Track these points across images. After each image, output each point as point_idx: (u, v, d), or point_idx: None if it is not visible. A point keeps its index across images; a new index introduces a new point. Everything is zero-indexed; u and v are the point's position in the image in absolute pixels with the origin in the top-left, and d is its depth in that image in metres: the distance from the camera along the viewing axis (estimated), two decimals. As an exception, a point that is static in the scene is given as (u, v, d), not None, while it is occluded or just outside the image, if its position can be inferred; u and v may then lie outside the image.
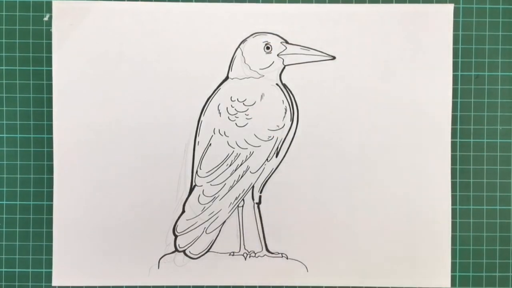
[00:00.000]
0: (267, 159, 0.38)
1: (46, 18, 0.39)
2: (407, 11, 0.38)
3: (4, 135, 0.39)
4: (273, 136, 0.38)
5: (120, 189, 0.38)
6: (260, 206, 0.38)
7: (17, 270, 0.39)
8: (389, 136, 0.38)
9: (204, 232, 0.38)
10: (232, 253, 0.38)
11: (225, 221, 0.38)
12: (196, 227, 0.38)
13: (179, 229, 0.38)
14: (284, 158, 0.38)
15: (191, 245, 0.38)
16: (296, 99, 0.38)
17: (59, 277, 0.38)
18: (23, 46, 0.39)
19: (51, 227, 0.38)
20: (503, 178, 0.39)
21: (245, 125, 0.38)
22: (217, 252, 0.38)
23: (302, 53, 0.38)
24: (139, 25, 0.38)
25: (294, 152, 0.38)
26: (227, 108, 0.38)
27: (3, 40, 0.39)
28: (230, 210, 0.38)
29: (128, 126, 0.38)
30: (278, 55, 0.38)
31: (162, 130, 0.38)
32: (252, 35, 0.38)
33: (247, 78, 0.38)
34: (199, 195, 0.38)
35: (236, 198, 0.38)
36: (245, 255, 0.38)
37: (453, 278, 0.39)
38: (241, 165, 0.38)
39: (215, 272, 0.38)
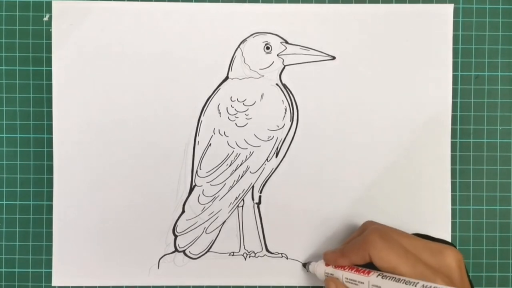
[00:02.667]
0: (267, 159, 0.38)
1: (46, 18, 0.39)
2: (407, 11, 0.38)
3: (4, 135, 0.39)
4: (273, 136, 0.38)
5: (120, 189, 0.38)
6: (260, 206, 0.38)
7: (17, 270, 0.39)
8: (389, 136, 0.38)
9: (204, 232, 0.38)
10: (232, 253, 0.38)
11: (225, 221, 0.38)
12: (196, 227, 0.38)
13: (179, 229, 0.38)
14: (284, 158, 0.38)
15: (191, 245, 0.38)
16: (296, 99, 0.38)
17: (59, 277, 0.38)
18: (23, 46, 0.39)
19: (51, 227, 0.38)
20: (503, 178, 0.39)
21: (245, 125, 0.38)
22: (217, 252, 0.38)
23: (302, 53, 0.38)
24: (139, 25, 0.38)
25: (294, 152, 0.38)
26: (227, 108, 0.38)
27: (3, 40, 0.39)
28: (230, 210, 0.38)
29: (128, 126, 0.38)
30: (278, 55, 0.38)
31: (162, 130, 0.38)
32: (252, 35, 0.38)
33: (247, 78, 0.38)
34: (199, 195, 0.38)
35: (236, 198, 0.38)
36: (245, 255, 0.38)
37: (453, 278, 0.39)
38: (241, 165, 0.38)
39: (215, 272, 0.38)
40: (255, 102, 0.38)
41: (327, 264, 0.35)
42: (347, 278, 0.32)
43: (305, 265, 0.38)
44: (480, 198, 0.39)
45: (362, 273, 0.31)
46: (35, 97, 0.39)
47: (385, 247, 0.31)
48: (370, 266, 0.31)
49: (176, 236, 0.38)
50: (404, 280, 0.28)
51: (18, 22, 0.39)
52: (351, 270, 0.32)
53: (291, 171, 0.38)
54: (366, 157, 0.38)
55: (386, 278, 0.29)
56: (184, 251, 0.38)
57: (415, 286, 0.27)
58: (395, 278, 0.29)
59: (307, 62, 0.38)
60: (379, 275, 0.30)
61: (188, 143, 0.38)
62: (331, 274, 0.34)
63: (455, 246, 0.32)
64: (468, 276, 0.31)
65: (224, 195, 0.38)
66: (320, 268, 0.35)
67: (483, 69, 0.39)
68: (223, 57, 0.38)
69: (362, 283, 0.31)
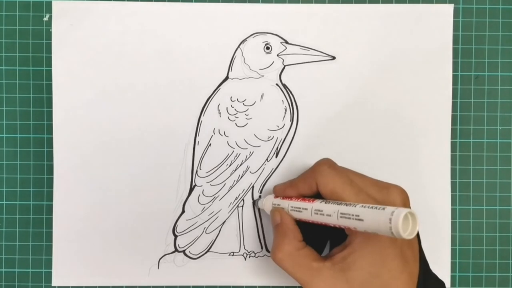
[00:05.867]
0: (267, 159, 0.38)
1: (46, 18, 0.39)
2: (407, 11, 0.38)
3: (4, 135, 0.39)
4: (273, 136, 0.38)
5: (120, 189, 0.38)
6: (260, 206, 0.38)
7: (17, 270, 0.39)
8: (389, 136, 0.38)
9: (204, 232, 0.38)
10: (232, 253, 0.38)
11: (225, 221, 0.38)
12: (196, 227, 0.38)
13: (179, 229, 0.38)
14: (284, 158, 0.38)
15: (191, 245, 0.38)
16: (296, 99, 0.38)
17: (59, 277, 0.38)
18: (23, 46, 0.39)
19: (51, 227, 0.38)
20: (503, 178, 0.39)
21: (245, 125, 0.38)
22: (217, 252, 0.38)
23: (302, 53, 0.38)
24: (139, 25, 0.38)
25: (294, 152, 0.38)
26: (227, 108, 0.38)
27: (3, 40, 0.39)
28: (230, 210, 0.38)
29: (128, 126, 0.38)
30: (278, 55, 0.38)
31: (162, 130, 0.38)
32: (252, 35, 0.38)
33: (247, 78, 0.38)
34: (199, 195, 0.38)
35: (236, 198, 0.38)
36: (245, 255, 0.38)
37: (453, 278, 0.39)
38: (241, 165, 0.38)
39: (215, 272, 0.38)
40: (255, 102, 0.38)
41: (276, 196, 0.35)
42: (292, 207, 0.32)
43: (254, 202, 0.38)
44: (480, 198, 0.39)
45: (307, 201, 0.31)
46: (35, 97, 0.39)
47: (331, 175, 0.31)
48: (318, 198, 0.32)
49: (176, 236, 0.38)
50: (345, 203, 0.28)
51: (18, 22, 0.39)
52: (297, 200, 0.32)
53: (291, 171, 0.38)
54: (366, 157, 0.38)
55: (329, 203, 0.30)
56: (184, 251, 0.38)
57: (355, 206, 0.27)
58: (337, 202, 0.29)
59: (307, 62, 0.38)
60: (322, 201, 0.30)
61: (188, 143, 0.38)
62: (278, 205, 0.34)
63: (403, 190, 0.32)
64: None
65: (224, 195, 0.38)
66: (268, 201, 0.35)
67: (483, 69, 0.39)
68: (223, 57, 0.38)
69: (306, 209, 0.31)
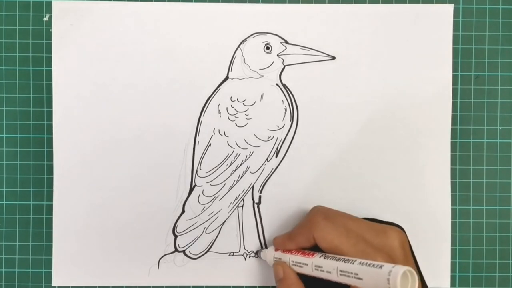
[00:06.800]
0: (267, 159, 0.38)
1: (46, 18, 0.39)
2: (407, 11, 0.38)
3: (4, 135, 0.39)
4: (273, 136, 0.38)
5: (120, 189, 0.38)
6: (260, 206, 0.38)
7: (17, 270, 0.39)
8: (388, 136, 0.38)
9: (204, 232, 0.38)
10: (232, 253, 0.38)
11: (225, 221, 0.38)
12: (196, 227, 0.38)
13: (179, 229, 0.38)
14: (284, 158, 0.38)
15: (191, 245, 0.38)
16: (296, 99, 0.38)
17: (59, 277, 0.38)
18: (23, 46, 0.39)
19: (51, 227, 0.38)
20: (503, 178, 0.39)
21: (245, 125, 0.38)
22: (217, 252, 0.38)
23: (302, 53, 0.38)
24: (139, 25, 0.38)
25: (294, 152, 0.38)
26: (227, 108, 0.38)
27: (3, 40, 0.39)
28: (230, 210, 0.38)
29: (128, 126, 0.38)
30: (278, 55, 0.38)
31: (162, 130, 0.38)
32: (252, 35, 0.38)
33: (247, 78, 0.38)
34: (199, 195, 0.38)
35: (236, 198, 0.38)
36: (245, 255, 0.38)
37: (453, 278, 0.39)
38: (241, 165, 0.38)
39: (215, 272, 0.38)
40: (255, 102, 0.38)
41: (276, 249, 0.35)
42: (293, 261, 0.33)
43: (257, 252, 0.38)
44: (480, 198, 0.39)
45: (306, 255, 0.32)
46: (35, 97, 0.39)
47: (327, 227, 0.31)
48: (317, 249, 0.32)
49: (176, 236, 0.38)
50: (344, 259, 0.29)
51: (18, 22, 0.39)
52: (297, 253, 0.33)
53: (291, 171, 0.38)
54: (366, 157, 0.38)
55: (328, 258, 0.30)
56: (184, 251, 0.38)
57: (353, 263, 0.28)
58: (336, 257, 0.29)
59: (307, 62, 0.38)
60: (321, 256, 0.31)
61: (188, 143, 0.38)
62: (279, 258, 0.34)
63: (402, 229, 0.32)
64: (414, 257, 0.31)
65: (224, 195, 0.38)
66: (270, 254, 0.36)
67: (483, 69, 0.39)
68: (223, 57, 0.38)
69: (306, 264, 0.31)
